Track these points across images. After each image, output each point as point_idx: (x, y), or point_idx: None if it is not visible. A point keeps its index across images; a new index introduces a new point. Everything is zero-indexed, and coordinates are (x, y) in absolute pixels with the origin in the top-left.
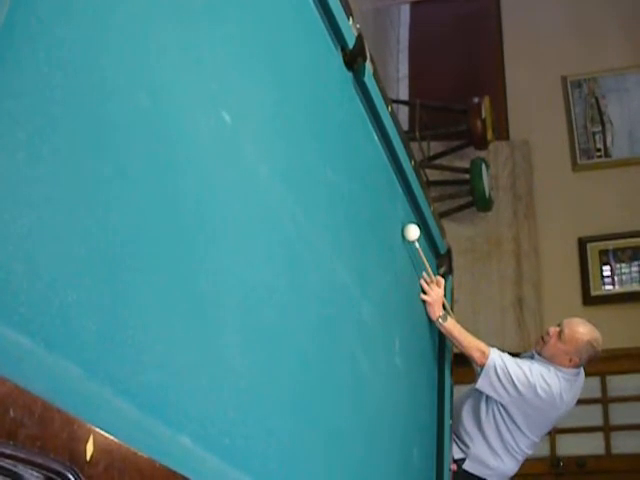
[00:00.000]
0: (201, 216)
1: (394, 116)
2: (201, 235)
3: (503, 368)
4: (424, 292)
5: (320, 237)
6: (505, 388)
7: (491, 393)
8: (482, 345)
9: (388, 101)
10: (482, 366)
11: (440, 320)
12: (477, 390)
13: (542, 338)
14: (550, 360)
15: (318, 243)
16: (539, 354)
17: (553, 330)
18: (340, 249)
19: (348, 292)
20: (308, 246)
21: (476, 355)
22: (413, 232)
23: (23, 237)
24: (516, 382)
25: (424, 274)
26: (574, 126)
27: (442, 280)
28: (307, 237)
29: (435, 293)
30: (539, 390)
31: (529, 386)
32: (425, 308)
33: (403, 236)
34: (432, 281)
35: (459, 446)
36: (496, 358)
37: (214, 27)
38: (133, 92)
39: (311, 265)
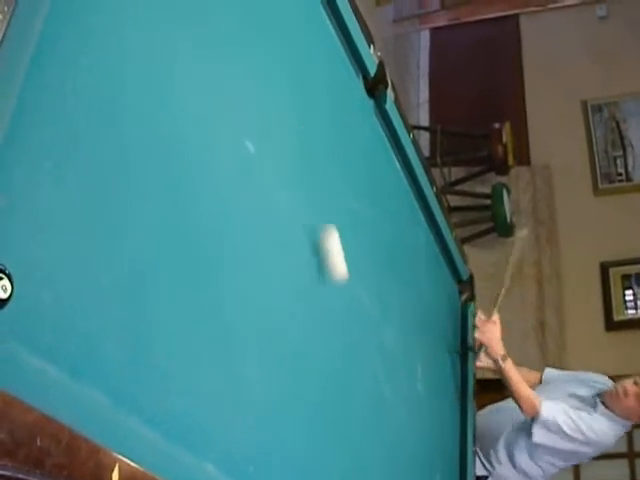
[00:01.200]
0: (223, 244)
1: (415, 143)
2: (223, 262)
3: (556, 424)
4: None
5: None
6: (556, 441)
7: (546, 443)
8: (533, 399)
9: (409, 127)
10: (530, 418)
11: (500, 361)
12: (515, 419)
13: (616, 392)
14: (619, 415)
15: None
16: (605, 406)
17: (632, 390)
18: (362, 275)
19: (370, 318)
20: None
21: (526, 408)
22: None
23: (50, 265)
24: (570, 437)
25: (479, 313)
26: (595, 150)
27: (497, 319)
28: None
29: (491, 332)
30: (592, 445)
31: (584, 442)
32: (483, 346)
33: None
34: (488, 320)
35: (483, 464)
36: (548, 416)
37: (238, 53)
38: (156, 121)
39: (333, 292)
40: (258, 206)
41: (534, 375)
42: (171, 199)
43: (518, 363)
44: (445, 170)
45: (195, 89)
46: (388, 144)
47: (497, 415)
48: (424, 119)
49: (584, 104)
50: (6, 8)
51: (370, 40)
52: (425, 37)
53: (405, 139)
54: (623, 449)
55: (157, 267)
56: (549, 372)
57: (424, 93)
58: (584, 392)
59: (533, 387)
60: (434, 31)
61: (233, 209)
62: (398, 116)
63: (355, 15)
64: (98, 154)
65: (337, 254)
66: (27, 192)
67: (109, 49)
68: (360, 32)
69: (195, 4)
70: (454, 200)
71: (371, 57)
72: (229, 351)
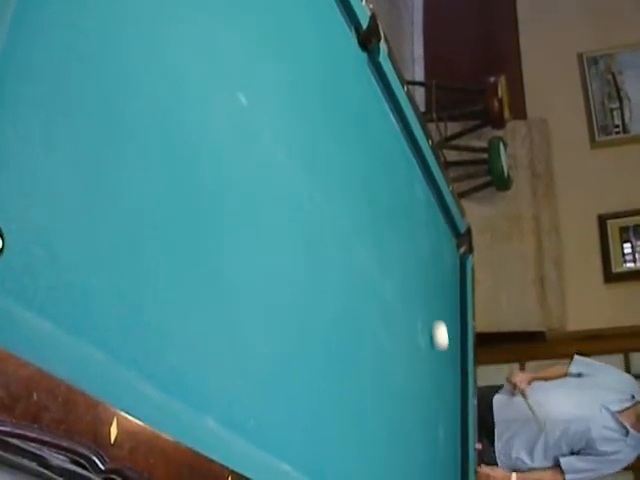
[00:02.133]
0: (219, 200)
1: (410, 96)
2: (220, 219)
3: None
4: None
5: (339, 218)
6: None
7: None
8: None
9: (404, 81)
10: None
11: None
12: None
13: None
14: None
15: (337, 224)
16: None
17: None
18: (360, 230)
19: (370, 273)
20: (328, 228)
21: None
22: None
23: (43, 223)
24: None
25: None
26: (591, 103)
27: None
28: (326, 219)
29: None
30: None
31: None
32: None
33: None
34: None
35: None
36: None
37: (228, 9)
38: (148, 76)
39: (332, 247)
40: (252, 160)
41: (559, 370)
42: (165, 154)
43: (518, 317)
44: (441, 125)
45: (187, 44)
46: (382, 97)
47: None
48: (419, 75)
49: (580, 57)
50: None
51: None
52: None
53: (399, 92)
54: None
55: (155, 222)
56: (579, 359)
57: (418, 48)
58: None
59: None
60: None
61: (227, 164)
62: (392, 69)
63: None
64: (91, 110)
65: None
66: (18, 148)
67: (103, 5)
68: None
69: None
70: (451, 155)
71: (363, 9)
72: (230, 306)
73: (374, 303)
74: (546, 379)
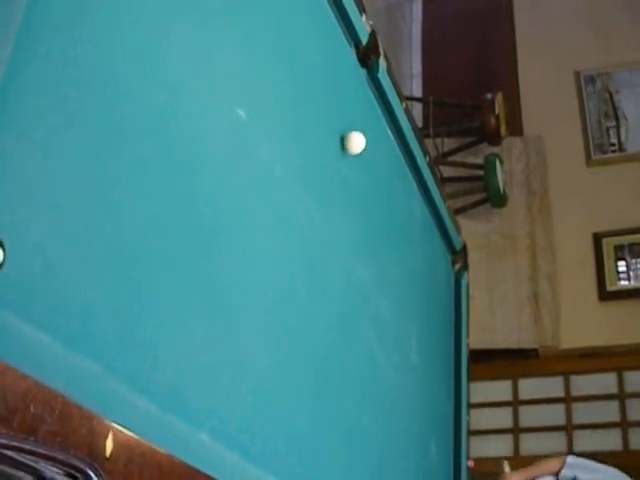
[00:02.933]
0: (217, 214)
1: (408, 112)
2: (217, 234)
3: None
4: None
5: (336, 234)
6: None
7: None
8: None
9: (402, 97)
10: None
11: None
12: None
13: None
14: None
15: (334, 240)
16: None
17: None
18: (356, 246)
19: (365, 288)
20: (324, 243)
21: None
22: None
23: (40, 235)
24: None
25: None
26: (588, 121)
27: None
28: (323, 234)
29: None
30: None
31: None
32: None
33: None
34: None
35: None
36: None
37: (227, 24)
38: (147, 89)
39: (328, 262)
40: (250, 175)
41: (556, 463)
42: (163, 168)
43: (513, 333)
44: (438, 141)
45: (186, 57)
46: (381, 114)
47: None
48: (417, 90)
49: (577, 75)
50: None
51: (362, 9)
52: (417, 8)
53: (398, 109)
54: (617, 418)
55: (151, 236)
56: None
57: (416, 64)
58: None
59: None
60: (426, 1)
61: (225, 178)
62: (391, 85)
63: None
64: (90, 123)
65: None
66: (19, 160)
67: (99, 19)
68: (352, 1)
69: None
70: (447, 171)
71: (363, 26)
72: (226, 321)
73: (369, 318)
74: (540, 475)
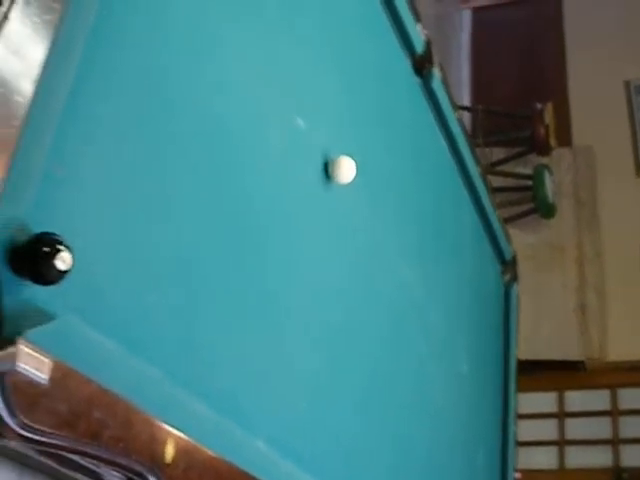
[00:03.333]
0: (273, 220)
1: (461, 122)
2: (273, 239)
3: None
4: None
5: (390, 242)
6: None
7: None
8: None
9: (456, 107)
10: None
11: None
12: None
13: None
14: None
15: (388, 247)
16: None
17: None
18: (408, 253)
19: (416, 296)
20: (378, 250)
21: None
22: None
23: (106, 241)
24: None
25: None
26: (637, 131)
27: None
28: (377, 241)
29: None
30: None
31: None
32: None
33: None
34: None
35: None
36: None
37: (288, 33)
38: (209, 96)
39: (380, 269)
40: (308, 182)
41: None
42: (223, 174)
43: (559, 345)
44: (486, 150)
45: (250, 68)
46: (434, 122)
47: None
48: (465, 99)
49: (627, 84)
50: None
51: (418, 18)
52: (467, 16)
53: (451, 118)
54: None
55: (210, 241)
56: None
57: (465, 73)
58: None
59: None
60: (476, 11)
61: (284, 183)
62: (445, 95)
63: None
64: (155, 129)
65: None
66: (87, 166)
67: (163, 22)
68: (408, 9)
69: None
70: (495, 181)
71: (419, 35)
72: (279, 328)
73: (419, 326)
74: None
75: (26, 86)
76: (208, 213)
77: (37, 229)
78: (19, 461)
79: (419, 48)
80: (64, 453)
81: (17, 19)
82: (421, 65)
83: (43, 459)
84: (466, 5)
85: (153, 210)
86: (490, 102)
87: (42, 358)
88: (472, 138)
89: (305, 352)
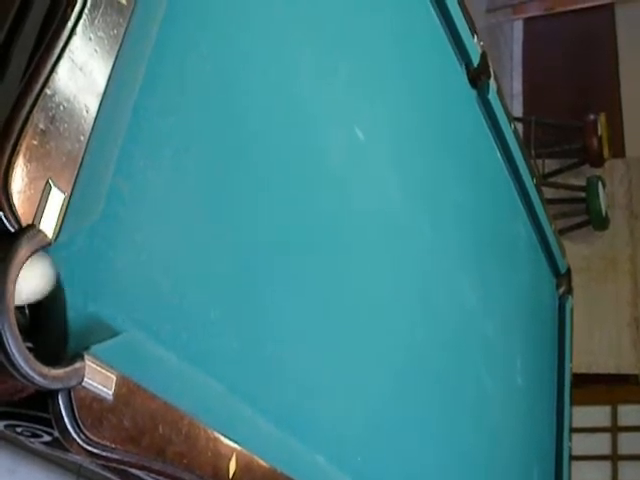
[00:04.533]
0: (334, 232)
1: (517, 134)
2: (335, 252)
3: None
4: None
5: (447, 254)
6: None
7: None
8: None
9: (511, 119)
10: None
11: None
12: None
13: None
14: None
15: (445, 259)
16: None
17: None
18: (465, 266)
19: (473, 310)
20: (436, 262)
21: None
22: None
23: (169, 253)
24: None
25: None
26: None
27: None
28: (436, 253)
29: None
30: None
31: None
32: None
33: None
34: None
35: None
36: None
37: (349, 46)
38: (270, 107)
39: (439, 281)
40: (368, 193)
41: None
42: (285, 183)
43: (612, 358)
44: (539, 162)
45: (310, 79)
46: (490, 134)
47: None
48: (517, 110)
49: None
50: None
51: (474, 30)
52: (518, 27)
53: (507, 129)
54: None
55: (275, 257)
56: None
57: (517, 84)
58: None
59: None
60: (527, 21)
61: (344, 195)
62: (500, 106)
63: (459, 5)
64: (216, 142)
65: None
66: (149, 179)
67: (227, 36)
68: (464, 21)
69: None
70: (547, 192)
71: (475, 47)
72: (344, 345)
73: (476, 340)
74: None
75: (92, 101)
76: (272, 223)
77: (102, 244)
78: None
79: (475, 60)
80: (128, 468)
81: (83, 34)
82: (477, 77)
83: (107, 474)
84: (518, 16)
85: (218, 224)
86: (543, 113)
87: (108, 374)
88: (526, 149)
89: (368, 368)
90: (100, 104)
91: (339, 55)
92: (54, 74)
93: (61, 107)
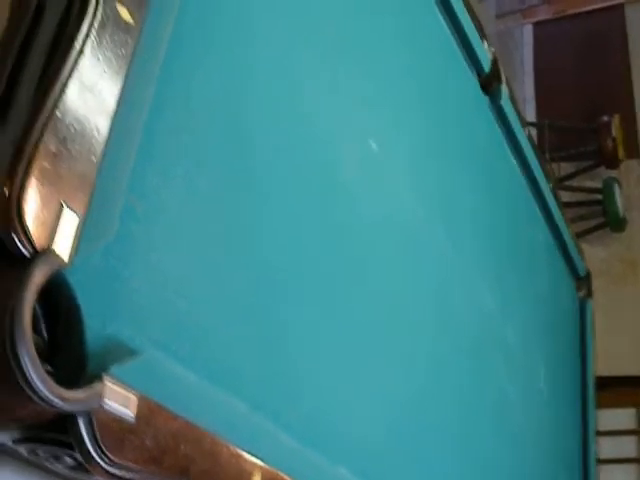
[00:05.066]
0: (350, 243)
1: (531, 138)
2: (351, 263)
3: None
4: None
5: (466, 262)
6: None
7: None
8: None
9: (524, 123)
10: None
11: None
12: None
13: None
14: None
15: (464, 268)
16: None
17: None
18: (484, 273)
19: (493, 318)
20: (455, 271)
21: None
22: None
23: (184, 272)
24: None
25: None
26: None
27: None
28: (454, 262)
29: None
30: None
31: None
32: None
33: None
34: None
35: None
36: None
37: (359, 56)
38: (280, 120)
39: (459, 290)
40: (384, 205)
41: None
42: (297, 200)
43: (631, 362)
44: (554, 165)
45: (320, 90)
46: (504, 140)
47: None
48: (530, 115)
49: None
50: (137, 14)
51: (483, 36)
52: (528, 32)
53: (520, 134)
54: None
55: (289, 270)
56: None
57: (529, 89)
58: None
59: None
60: (537, 25)
61: (359, 208)
62: (513, 111)
63: (468, 11)
64: (227, 159)
65: None
66: (163, 198)
67: (233, 53)
68: (473, 27)
69: (320, 10)
70: (563, 196)
71: (485, 53)
72: (361, 355)
73: (497, 346)
74: None
75: (102, 122)
76: (288, 241)
77: (118, 264)
78: None
79: (486, 66)
80: None
81: (91, 55)
82: (488, 83)
83: None
84: (527, 20)
85: (233, 240)
86: (556, 117)
87: (128, 394)
88: (540, 154)
89: (388, 378)
90: (111, 124)
91: (348, 66)
92: (64, 96)
93: (72, 128)
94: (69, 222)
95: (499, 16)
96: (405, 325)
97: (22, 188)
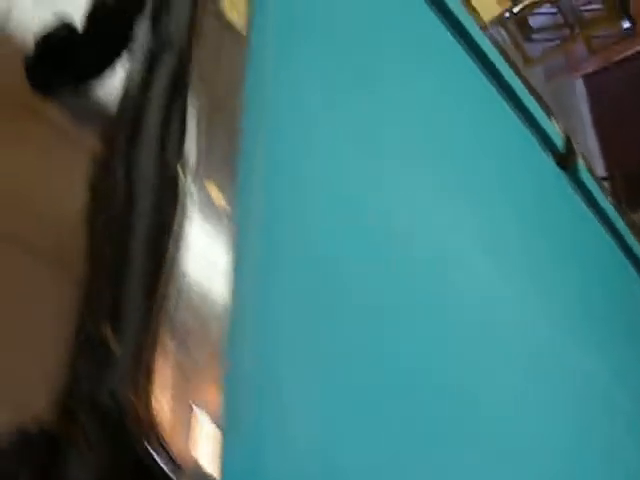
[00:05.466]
0: (448, 350)
1: (616, 206)
2: (456, 362)
3: None
4: None
5: (569, 338)
6: None
7: None
8: None
9: (606, 191)
10: None
11: None
12: None
13: None
14: None
15: (567, 344)
16: None
17: None
18: (589, 345)
19: (600, 382)
20: (556, 354)
21: None
22: None
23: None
24: None
25: None
26: None
27: None
28: (557, 342)
29: None
30: None
31: None
32: None
33: None
34: None
35: None
36: None
37: (433, 163)
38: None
39: (563, 366)
40: (477, 298)
41: None
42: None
43: None
44: (635, 216)
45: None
46: (589, 212)
47: None
48: (599, 169)
49: None
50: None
51: (549, 112)
52: (580, 85)
53: (605, 204)
54: None
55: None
56: None
57: (592, 142)
58: None
59: None
60: (587, 77)
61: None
62: (593, 182)
63: (530, 92)
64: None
65: None
66: (284, 372)
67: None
68: (539, 108)
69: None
70: None
71: (557, 132)
72: (471, 441)
73: (605, 409)
74: None
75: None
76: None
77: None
78: None
79: (559, 145)
80: None
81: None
82: (564, 161)
83: None
84: (577, 74)
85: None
86: (625, 166)
87: None
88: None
89: (493, 463)
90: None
91: (426, 178)
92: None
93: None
94: (204, 425)
95: (548, 77)
96: (506, 407)
97: (149, 402)
